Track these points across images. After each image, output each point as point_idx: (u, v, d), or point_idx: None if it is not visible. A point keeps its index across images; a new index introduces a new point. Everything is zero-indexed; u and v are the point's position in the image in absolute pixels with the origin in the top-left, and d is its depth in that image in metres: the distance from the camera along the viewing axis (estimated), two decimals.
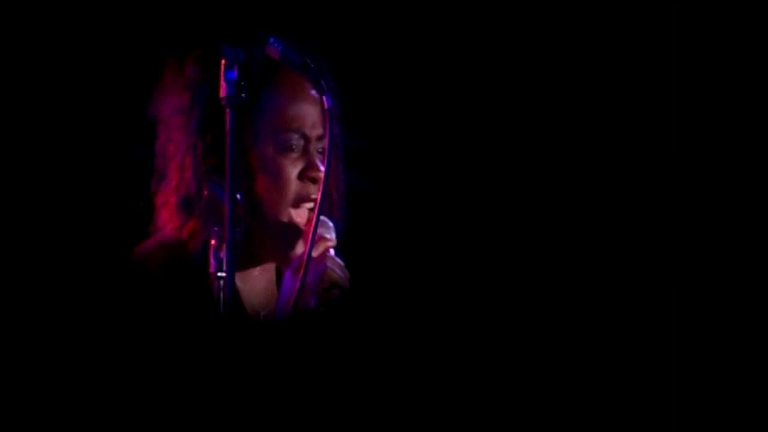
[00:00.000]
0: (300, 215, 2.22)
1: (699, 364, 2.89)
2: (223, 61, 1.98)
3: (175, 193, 2.19)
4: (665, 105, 2.97)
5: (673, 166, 2.96)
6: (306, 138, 2.24)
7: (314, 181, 2.23)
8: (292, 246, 2.21)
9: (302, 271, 2.06)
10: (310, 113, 2.24)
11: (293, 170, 2.23)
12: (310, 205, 2.23)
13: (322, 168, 2.21)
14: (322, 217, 2.19)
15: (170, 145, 2.20)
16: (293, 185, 2.23)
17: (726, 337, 2.88)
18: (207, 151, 2.18)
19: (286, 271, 2.18)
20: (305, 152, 2.24)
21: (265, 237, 2.23)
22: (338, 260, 2.15)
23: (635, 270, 3.03)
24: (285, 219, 2.22)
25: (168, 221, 2.21)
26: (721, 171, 2.91)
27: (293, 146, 2.23)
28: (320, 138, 2.26)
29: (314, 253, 2.13)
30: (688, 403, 2.89)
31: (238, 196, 1.97)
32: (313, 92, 2.24)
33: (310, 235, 2.09)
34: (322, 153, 2.26)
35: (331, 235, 2.20)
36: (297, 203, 2.23)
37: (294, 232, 2.22)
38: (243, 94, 1.99)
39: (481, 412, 2.96)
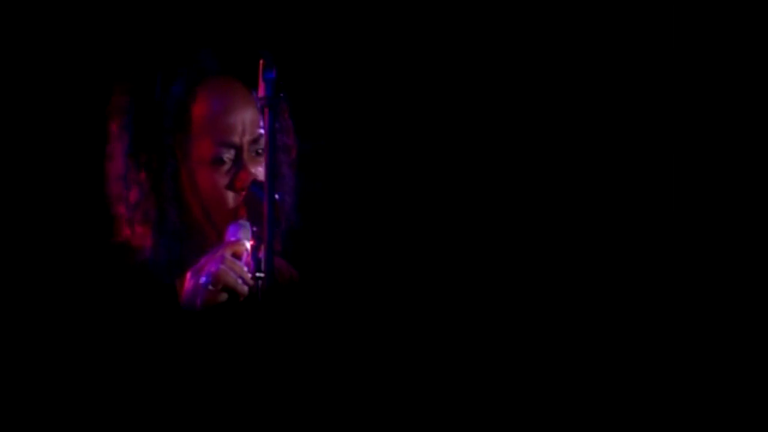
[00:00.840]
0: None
1: (699, 364, 2.87)
2: (261, 62, 1.97)
3: (124, 209, 2.20)
4: (665, 105, 2.95)
5: (673, 166, 2.94)
6: (237, 147, 2.19)
7: (245, 189, 2.17)
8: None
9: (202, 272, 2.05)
10: (239, 121, 2.20)
11: (224, 182, 2.18)
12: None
13: (253, 170, 2.17)
14: (242, 221, 2.14)
15: (112, 168, 2.21)
16: (228, 197, 2.18)
17: (726, 337, 2.86)
18: (144, 170, 2.17)
19: (188, 271, 2.12)
20: (237, 161, 2.19)
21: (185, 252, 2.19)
22: (239, 265, 2.09)
23: (635, 270, 3.01)
24: (202, 232, 2.20)
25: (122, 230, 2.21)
26: (721, 171, 2.89)
27: (224, 159, 2.18)
28: (256, 140, 2.21)
29: (226, 252, 2.08)
30: (688, 403, 2.87)
31: (277, 196, 1.97)
32: (244, 95, 2.21)
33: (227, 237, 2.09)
34: (260, 154, 2.22)
35: (246, 239, 2.13)
36: (230, 214, 2.18)
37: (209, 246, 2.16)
38: (281, 94, 1.98)
39: (469, 408, 2.96)
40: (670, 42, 2.95)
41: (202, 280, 2.04)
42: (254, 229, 2.10)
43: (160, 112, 2.15)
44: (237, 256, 2.08)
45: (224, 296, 2.04)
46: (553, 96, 3.04)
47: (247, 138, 2.19)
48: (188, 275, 2.09)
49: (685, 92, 2.93)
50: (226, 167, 2.18)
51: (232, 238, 2.11)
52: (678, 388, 2.92)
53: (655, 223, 3.00)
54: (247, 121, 2.19)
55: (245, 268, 2.07)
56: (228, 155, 2.17)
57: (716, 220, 2.91)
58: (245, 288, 2.05)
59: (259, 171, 2.18)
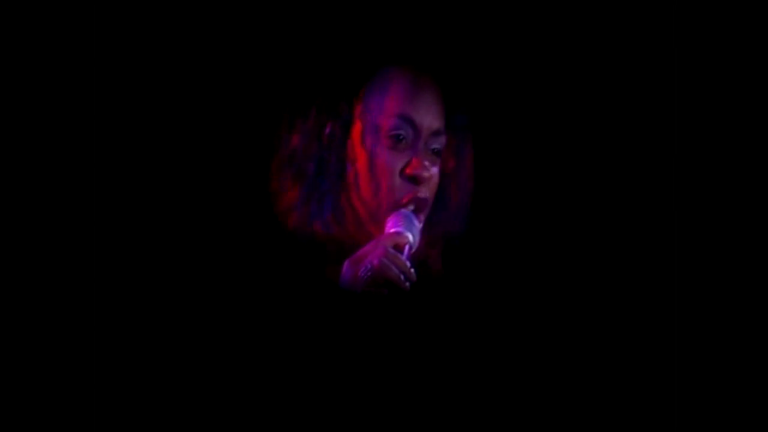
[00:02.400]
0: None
1: (699, 364, 2.83)
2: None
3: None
4: (665, 105, 2.91)
5: (673, 166, 2.90)
6: (416, 128, 2.10)
7: (416, 181, 2.09)
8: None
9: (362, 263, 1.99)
10: (425, 104, 2.11)
11: (396, 164, 2.09)
12: (411, 205, 2.09)
13: (432, 169, 2.10)
14: (405, 211, 2.07)
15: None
16: (392, 181, 2.08)
17: (726, 337, 2.82)
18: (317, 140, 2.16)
19: (347, 259, 2.02)
20: (413, 147, 2.10)
21: (359, 236, 2.10)
22: (401, 258, 1.98)
23: (635, 270, 2.98)
24: (379, 220, 2.09)
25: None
26: (721, 171, 2.85)
27: (401, 136, 2.09)
28: (435, 134, 2.13)
29: (388, 244, 2.00)
30: (688, 403, 2.84)
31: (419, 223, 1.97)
32: (431, 85, 2.15)
33: (387, 227, 2.03)
34: (437, 153, 2.14)
35: (411, 234, 2.04)
36: (393, 203, 2.09)
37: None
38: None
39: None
40: (669, 42, 2.88)
41: (362, 273, 1.96)
42: (418, 223, 2.05)
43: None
44: (399, 248, 1.99)
45: (385, 291, 1.96)
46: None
47: (427, 124, 2.11)
48: (346, 265, 2.01)
49: (685, 92, 2.85)
50: (401, 147, 2.10)
51: (394, 229, 2.03)
52: (678, 388, 2.85)
53: (655, 223, 2.94)
54: (433, 110, 2.12)
55: (408, 263, 1.97)
56: (406, 133, 2.10)
57: (716, 220, 2.83)
58: (407, 284, 1.96)
59: (434, 171, 2.11)
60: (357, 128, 2.12)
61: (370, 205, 2.10)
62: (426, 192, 2.11)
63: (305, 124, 2.12)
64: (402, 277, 1.97)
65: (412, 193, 2.09)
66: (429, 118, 2.12)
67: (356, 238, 2.11)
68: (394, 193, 2.09)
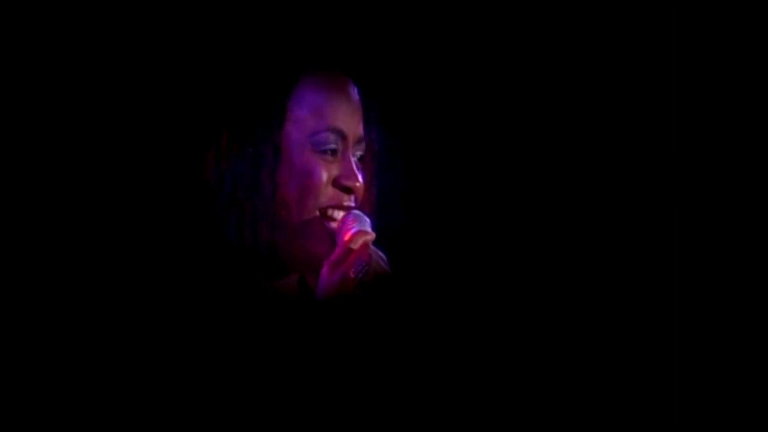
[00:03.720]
0: (329, 224, 2.13)
1: (699, 364, 2.87)
2: None
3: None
4: (665, 105, 2.95)
5: (673, 166, 2.94)
6: (344, 138, 2.12)
7: (349, 191, 2.13)
8: (320, 254, 2.10)
9: (346, 265, 2.02)
10: (349, 112, 2.13)
11: (327, 175, 2.11)
12: (340, 213, 2.13)
13: (360, 177, 2.13)
14: (356, 211, 2.11)
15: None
16: (326, 191, 2.11)
17: (726, 337, 2.86)
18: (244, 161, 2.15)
19: (325, 264, 2.06)
20: (342, 156, 2.12)
21: (291, 246, 2.12)
22: (380, 253, 2.08)
23: (635, 270, 3.02)
24: (310, 228, 2.11)
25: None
26: (721, 171, 2.89)
27: (330, 148, 2.11)
28: (359, 141, 2.15)
29: (354, 246, 2.05)
30: (688, 403, 2.87)
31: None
32: (353, 92, 2.16)
33: (345, 229, 2.06)
34: (361, 159, 2.16)
35: (369, 229, 2.10)
36: (326, 211, 2.12)
37: (322, 240, 2.11)
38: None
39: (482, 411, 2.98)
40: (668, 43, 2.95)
41: (355, 273, 2.01)
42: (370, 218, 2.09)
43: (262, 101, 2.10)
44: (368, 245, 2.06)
45: (358, 290, 2.02)
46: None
47: (353, 132, 2.14)
48: (326, 272, 2.03)
49: (686, 92, 2.91)
50: (330, 158, 2.11)
51: (354, 230, 2.07)
52: (678, 388, 2.90)
53: (655, 223, 2.99)
54: (357, 118, 2.15)
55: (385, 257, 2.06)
56: (335, 144, 2.11)
57: (716, 220, 2.89)
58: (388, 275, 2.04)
59: (362, 180, 2.13)
60: (285, 142, 2.11)
61: (295, 214, 2.11)
62: (352, 201, 2.15)
63: (227, 148, 2.11)
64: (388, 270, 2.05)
65: (340, 201, 2.13)
66: (354, 125, 2.14)
67: (292, 252, 2.13)
68: (321, 201, 2.12)
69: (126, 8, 2.53)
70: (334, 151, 2.11)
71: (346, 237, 2.08)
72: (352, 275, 2.02)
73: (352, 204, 2.14)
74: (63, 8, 2.49)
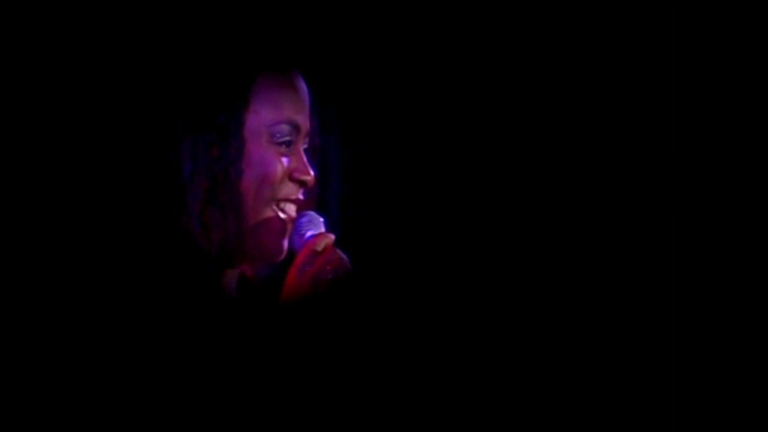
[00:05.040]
0: (283, 214, 2.16)
1: (699, 364, 2.89)
2: None
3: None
4: (665, 105, 2.97)
5: (673, 166, 2.96)
6: (298, 131, 2.15)
7: (303, 184, 2.17)
8: (271, 246, 2.15)
9: (315, 267, 2.07)
10: (302, 105, 2.17)
11: (282, 168, 2.14)
12: (292, 206, 2.17)
13: (311, 171, 2.16)
14: (310, 212, 2.17)
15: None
16: (282, 183, 2.15)
17: (726, 337, 2.88)
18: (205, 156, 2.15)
19: (293, 267, 2.11)
20: (294, 149, 2.16)
21: (242, 237, 2.14)
22: (341, 252, 2.13)
23: (635, 270, 3.04)
24: (264, 219, 2.14)
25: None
26: (721, 171, 2.91)
27: (286, 140, 2.14)
28: (307, 134, 2.19)
29: (318, 248, 2.11)
30: (688, 403, 2.89)
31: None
32: (304, 86, 2.19)
33: (303, 231, 2.12)
34: (306, 152, 2.19)
35: (323, 229, 2.16)
36: (279, 202, 2.15)
37: (275, 232, 2.15)
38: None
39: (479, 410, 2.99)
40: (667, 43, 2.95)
41: (330, 275, 2.06)
42: (323, 219, 2.15)
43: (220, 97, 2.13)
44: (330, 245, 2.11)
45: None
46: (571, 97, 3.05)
47: (305, 125, 2.18)
48: (294, 272, 2.08)
49: (686, 92, 2.92)
50: (283, 150, 2.15)
51: (311, 232, 2.13)
52: (678, 388, 2.90)
53: (655, 223, 2.99)
54: (307, 110, 2.19)
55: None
56: (292, 137, 2.15)
57: (716, 220, 2.90)
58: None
59: (312, 176, 2.17)
60: (244, 136, 2.13)
61: (251, 205, 2.13)
62: (302, 194, 2.19)
63: (189, 143, 2.13)
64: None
65: (292, 194, 2.16)
66: (305, 119, 2.18)
67: (243, 243, 2.14)
68: (277, 194, 2.15)
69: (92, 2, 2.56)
70: (288, 143, 2.14)
71: (309, 241, 2.12)
72: (329, 276, 2.07)
73: (302, 197, 2.17)
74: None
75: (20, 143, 2.50)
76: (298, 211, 2.18)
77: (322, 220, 2.18)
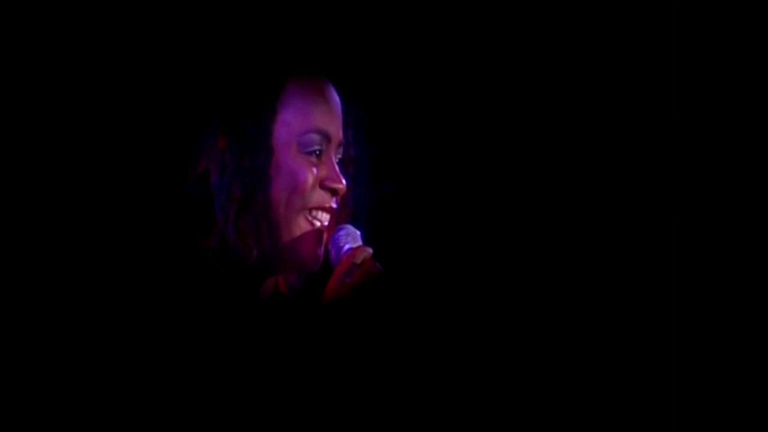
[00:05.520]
0: (317, 222, 2.17)
1: (699, 364, 2.87)
2: None
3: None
4: (665, 105, 2.95)
5: (673, 166, 2.94)
6: (329, 140, 2.15)
7: (334, 192, 2.17)
8: (306, 255, 2.16)
9: (354, 278, 2.10)
10: (333, 115, 2.17)
11: (312, 176, 2.14)
12: (325, 215, 2.17)
13: (343, 180, 2.17)
14: (348, 226, 2.19)
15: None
16: (313, 192, 2.15)
17: (726, 338, 2.85)
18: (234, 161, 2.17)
19: (333, 278, 2.13)
20: (326, 158, 2.16)
21: (276, 246, 2.15)
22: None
23: (636, 270, 3.03)
24: (298, 228, 2.15)
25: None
26: (721, 171, 2.89)
27: (316, 149, 2.14)
28: (340, 145, 2.19)
29: (357, 261, 2.12)
30: (688, 403, 2.86)
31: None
32: (335, 96, 2.19)
33: (341, 244, 2.15)
34: (340, 163, 2.20)
35: (361, 242, 2.18)
36: (311, 211, 2.16)
37: (308, 241, 2.16)
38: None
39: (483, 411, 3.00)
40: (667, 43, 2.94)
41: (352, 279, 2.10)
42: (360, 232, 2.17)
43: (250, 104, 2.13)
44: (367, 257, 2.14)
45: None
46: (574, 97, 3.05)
47: (336, 135, 2.18)
48: (335, 283, 2.11)
49: (686, 92, 2.90)
50: (314, 160, 2.15)
51: (348, 245, 2.16)
52: (678, 388, 2.89)
53: (655, 223, 2.98)
54: (339, 121, 2.18)
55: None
56: (320, 146, 2.15)
57: (716, 220, 2.88)
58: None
59: (344, 184, 2.17)
60: (273, 146, 2.14)
61: (282, 214, 2.14)
62: (335, 202, 2.19)
63: (217, 150, 2.13)
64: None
65: (325, 203, 2.17)
66: (336, 128, 2.18)
67: (277, 252, 2.15)
68: (308, 202, 2.15)
69: (121, 11, 2.56)
70: (319, 153, 2.14)
71: (349, 253, 2.14)
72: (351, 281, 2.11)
73: (335, 206, 2.18)
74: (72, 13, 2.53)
75: (54, 151, 2.51)
76: (333, 221, 2.19)
77: (359, 233, 2.19)
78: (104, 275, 2.08)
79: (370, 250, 2.14)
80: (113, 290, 2.04)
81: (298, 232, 2.14)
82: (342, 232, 2.18)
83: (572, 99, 3.02)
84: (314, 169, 2.13)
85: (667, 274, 2.91)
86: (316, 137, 2.13)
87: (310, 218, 2.15)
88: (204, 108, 2.15)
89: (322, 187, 2.15)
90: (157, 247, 2.11)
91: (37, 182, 2.49)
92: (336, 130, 2.17)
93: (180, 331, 1.99)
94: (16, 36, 2.48)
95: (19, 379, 2.35)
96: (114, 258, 2.13)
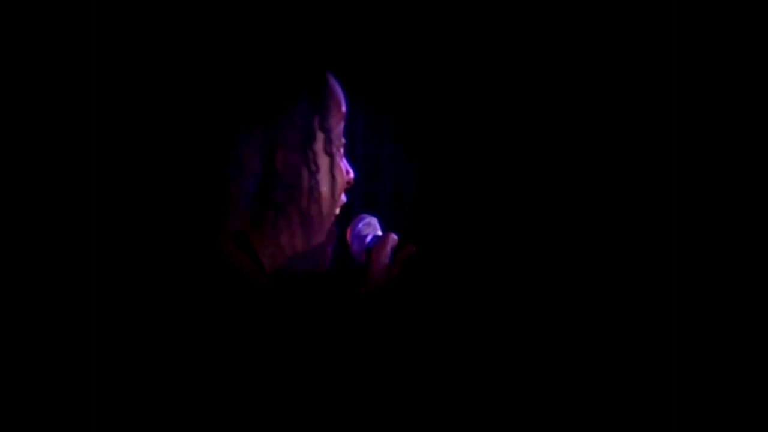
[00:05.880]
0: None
1: (699, 364, 2.91)
2: None
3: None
4: (665, 105, 3.02)
5: (673, 166, 2.99)
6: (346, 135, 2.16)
7: (348, 185, 2.15)
8: (326, 248, 2.13)
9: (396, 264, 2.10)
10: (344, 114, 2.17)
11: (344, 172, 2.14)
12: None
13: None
14: (365, 216, 2.18)
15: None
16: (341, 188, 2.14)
17: (726, 338, 2.90)
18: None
19: (376, 268, 2.12)
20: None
21: (305, 242, 2.13)
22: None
23: (636, 270, 3.09)
24: (328, 228, 2.13)
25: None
26: (721, 171, 2.94)
27: (344, 143, 2.14)
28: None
29: (405, 257, 2.11)
30: (688, 403, 2.90)
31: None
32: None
33: (364, 234, 2.15)
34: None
35: (380, 229, 2.19)
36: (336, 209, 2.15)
37: (331, 234, 2.13)
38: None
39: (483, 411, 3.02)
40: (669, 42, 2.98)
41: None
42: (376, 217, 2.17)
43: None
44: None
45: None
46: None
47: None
48: (380, 273, 2.08)
49: (686, 92, 2.94)
50: (341, 155, 2.14)
51: (370, 236, 2.15)
52: (678, 388, 2.92)
53: (655, 223, 3.03)
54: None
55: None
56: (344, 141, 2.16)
57: (716, 220, 2.92)
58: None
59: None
60: (316, 140, 2.11)
61: (326, 212, 2.12)
62: (347, 196, 2.18)
63: (258, 154, 2.10)
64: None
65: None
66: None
67: (304, 248, 2.14)
68: (338, 200, 2.14)
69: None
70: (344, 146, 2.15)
71: (387, 243, 2.11)
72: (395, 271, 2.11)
73: (344, 199, 2.16)
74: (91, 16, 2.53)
75: (92, 163, 2.51)
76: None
77: (376, 219, 2.18)
78: (131, 270, 2.06)
79: (396, 237, 2.12)
80: (140, 285, 2.03)
81: (326, 233, 2.13)
82: (361, 224, 2.17)
83: (573, 99, 3.06)
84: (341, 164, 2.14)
85: (668, 273, 2.95)
86: (342, 133, 2.12)
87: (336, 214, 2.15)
88: (245, 111, 2.10)
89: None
90: (186, 245, 2.08)
91: (61, 181, 2.49)
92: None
93: (204, 329, 1.96)
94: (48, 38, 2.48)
95: (31, 373, 2.34)
96: (140, 254, 2.12)
